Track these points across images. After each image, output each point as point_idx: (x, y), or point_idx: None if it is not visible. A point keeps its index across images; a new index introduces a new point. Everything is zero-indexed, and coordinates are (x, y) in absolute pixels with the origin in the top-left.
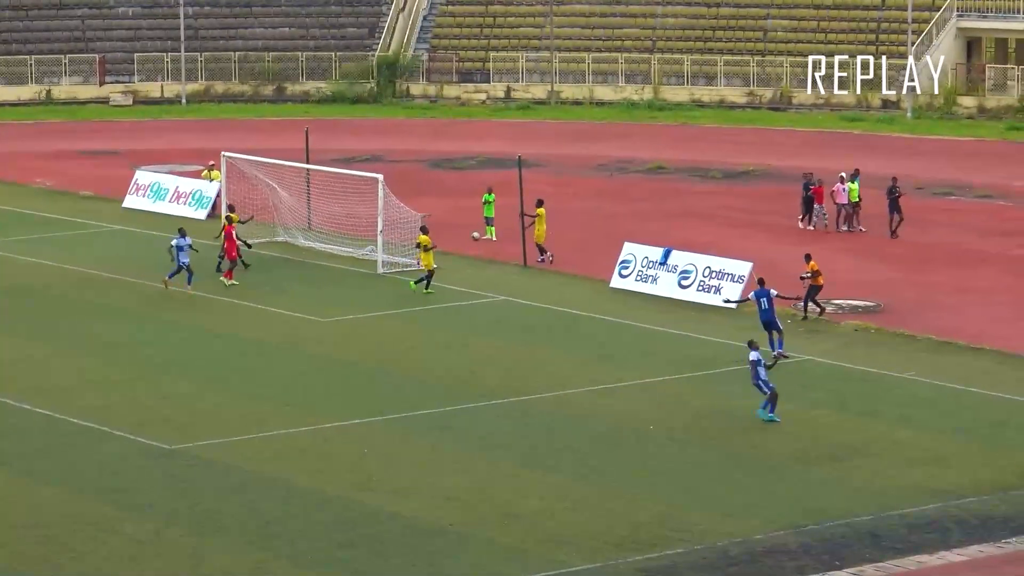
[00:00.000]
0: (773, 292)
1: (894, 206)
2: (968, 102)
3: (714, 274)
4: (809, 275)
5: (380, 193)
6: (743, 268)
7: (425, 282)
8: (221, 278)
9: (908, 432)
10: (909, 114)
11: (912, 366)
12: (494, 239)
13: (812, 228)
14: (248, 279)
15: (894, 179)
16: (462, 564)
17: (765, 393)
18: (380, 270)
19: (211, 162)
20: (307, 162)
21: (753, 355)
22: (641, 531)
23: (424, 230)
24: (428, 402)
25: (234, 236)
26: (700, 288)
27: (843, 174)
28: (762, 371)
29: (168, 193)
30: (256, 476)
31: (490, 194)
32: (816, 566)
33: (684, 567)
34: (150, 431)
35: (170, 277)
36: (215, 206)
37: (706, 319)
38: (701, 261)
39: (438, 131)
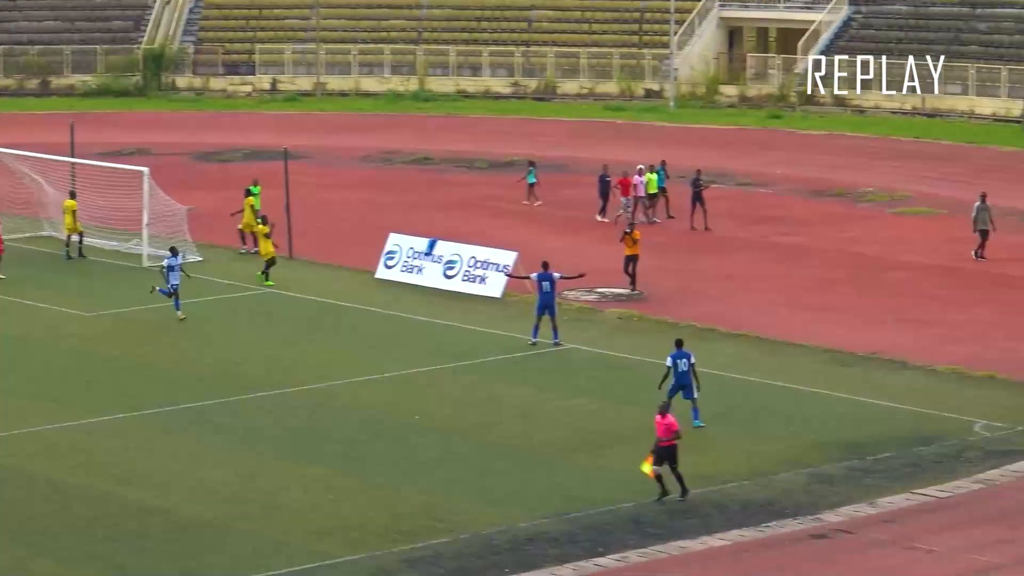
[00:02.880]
0: (556, 275)
1: (697, 198)
2: (730, 91)
3: (479, 264)
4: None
5: (145, 186)
6: (508, 258)
7: (268, 272)
8: None
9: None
10: (672, 103)
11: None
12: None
13: (606, 220)
14: (13, 273)
15: (698, 171)
16: (225, 557)
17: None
18: (145, 263)
19: None
20: (72, 156)
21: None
22: (405, 521)
23: (264, 220)
24: (191, 395)
25: None
26: (465, 278)
27: (641, 166)
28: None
29: None
30: (16, 472)
31: (256, 186)
32: (579, 553)
33: (447, 556)
34: None
35: (177, 307)
36: None
37: (471, 309)
38: (466, 251)
39: (204, 124)
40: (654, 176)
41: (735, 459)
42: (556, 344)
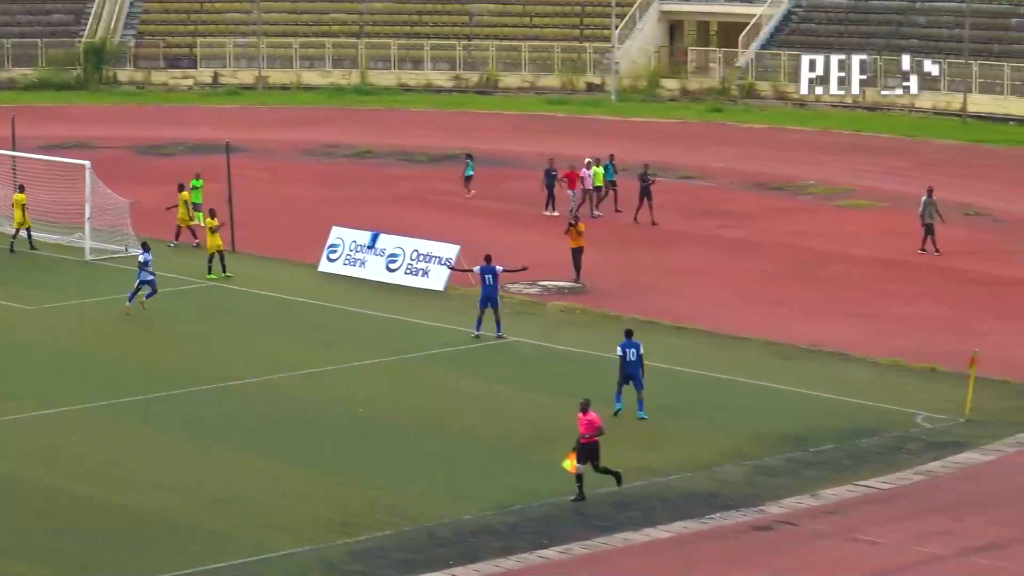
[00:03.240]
0: (499, 268)
1: (645, 193)
2: (671, 84)
3: (422, 257)
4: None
5: (87, 180)
6: (450, 251)
7: (211, 265)
8: None
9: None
10: (613, 97)
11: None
12: (203, 225)
13: (557, 214)
14: None
15: (646, 166)
16: (172, 551)
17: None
18: (88, 257)
19: None
20: (13, 149)
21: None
22: (351, 515)
23: (212, 213)
24: (137, 388)
25: None
26: (408, 271)
27: (588, 159)
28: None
29: None
30: None
31: (198, 179)
32: (523, 545)
33: (392, 549)
34: None
35: (130, 299)
36: None
37: (415, 302)
38: (409, 244)
39: (146, 117)
40: (600, 170)
41: (678, 451)
42: (499, 337)
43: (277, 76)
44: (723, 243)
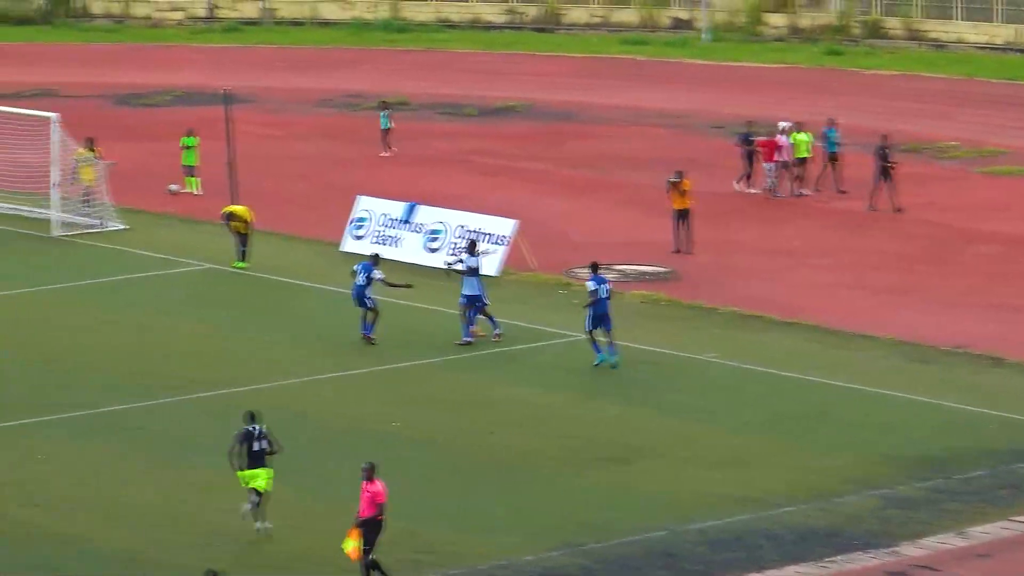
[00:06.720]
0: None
1: (884, 172)
2: (777, 20)
3: (470, 234)
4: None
5: (54, 136)
6: (505, 227)
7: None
8: None
9: (707, 427)
10: (704, 36)
11: (711, 346)
12: (197, 192)
13: (752, 191)
14: None
15: (884, 137)
16: None
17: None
18: (55, 232)
19: None
20: None
21: None
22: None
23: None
24: (110, 398)
25: None
26: (453, 251)
27: (783, 124)
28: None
29: None
30: None
31: (191, 137)
32: None
33: None
34: None
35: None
36: None
37: (460, 290)
38: (453, 218)
39: (125, 59)
40: (805, 137)
41: (790, 477)
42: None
43: (287, 9)
44: (841, 217)
